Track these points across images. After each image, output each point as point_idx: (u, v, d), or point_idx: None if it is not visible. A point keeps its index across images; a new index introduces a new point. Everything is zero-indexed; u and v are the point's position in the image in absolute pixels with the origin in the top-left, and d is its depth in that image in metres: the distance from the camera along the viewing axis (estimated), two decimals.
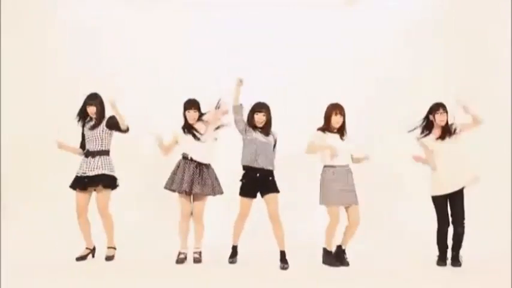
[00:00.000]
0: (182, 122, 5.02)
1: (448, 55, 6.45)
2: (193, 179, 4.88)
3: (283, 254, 4.86)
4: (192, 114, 4.97)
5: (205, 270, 4.76)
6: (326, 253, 4.93)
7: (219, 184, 5.03)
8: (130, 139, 5.33)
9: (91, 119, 5.03)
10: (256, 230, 5.32)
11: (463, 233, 4.85)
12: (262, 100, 5.00)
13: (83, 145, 5.06)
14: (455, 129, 4.92)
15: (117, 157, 5.15)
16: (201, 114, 5.01)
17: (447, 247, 4.91)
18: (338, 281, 4.45)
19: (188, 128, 4.98)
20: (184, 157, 4.94)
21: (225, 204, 5.29)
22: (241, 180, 4.92)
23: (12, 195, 6.39)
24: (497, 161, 6.19)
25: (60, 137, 5.07)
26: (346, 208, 4.88)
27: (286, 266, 4.77)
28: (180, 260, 4.91)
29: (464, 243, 5.12)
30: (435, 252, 4.96)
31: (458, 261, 4.84)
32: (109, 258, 4.98)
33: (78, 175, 4.95)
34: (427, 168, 4.97)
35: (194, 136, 4.93)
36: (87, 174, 4.92)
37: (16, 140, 6.52)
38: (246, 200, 4.90)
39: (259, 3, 6.77)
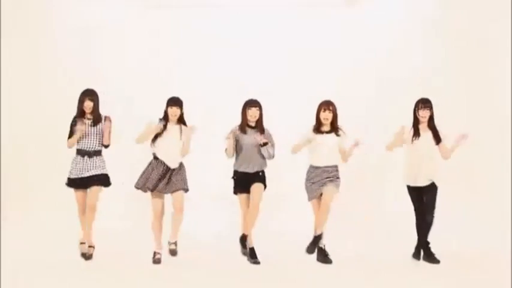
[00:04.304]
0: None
1: (448, 55, 6.45)
2: (162, 179, 4.87)
3: (244, 238, 4.90)
4: (174, 111, 4.95)
5: (202, 270, 4.78)
6: (318, 250, 4.96)
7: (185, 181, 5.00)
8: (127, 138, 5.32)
9: (84, 116, 4.97)
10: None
11: (431, 222, 4.89)
12: (262, 100, 5.00)
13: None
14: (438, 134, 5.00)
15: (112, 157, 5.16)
16: (182, 114, 5.01)
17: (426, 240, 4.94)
18: (331, 278, 4.47)
19: (164, 127, 4.93)
20: (155, 157, 4.94)
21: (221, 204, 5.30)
22: (232, 177, 5.00)
23: (12, 195, 6.39)
24: (497, 161, 6.19)
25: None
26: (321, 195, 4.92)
27: (246, 251, 4.86)
28: (157, 260, 4.88)
29: (464, 241, 5.12)
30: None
31: (434, 256, 4.86)
32: (85, 256, 4.93)
33: (75, 177, 4.91)
34: None
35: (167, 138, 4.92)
36: (83, 175, 4.91)
37: (16, 140, 6.52)
38: (242, 196, 4.98)
39: (259, 4, 6.77)
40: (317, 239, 4.88)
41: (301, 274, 4.65)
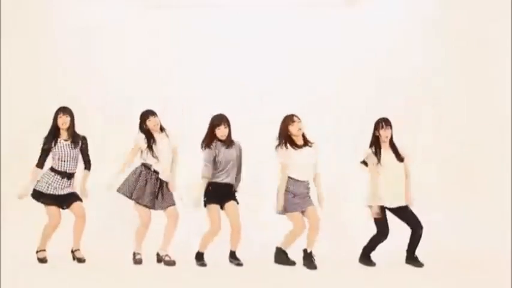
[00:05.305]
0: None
1: (448, 55, 6.45)
2: (156, 194, 4.89)
3: (234, 253, 4.91)
4: (153, 121, 4.92)
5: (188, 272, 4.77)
6: (280, 252, 4.94)
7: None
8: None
9: (59, 135, 4.92)
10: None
11: (422, 234, 4.84)
12: (262, 100, 5.00)
13: (42, 161, 4.91)
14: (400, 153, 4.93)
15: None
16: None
17: (371, 252, 4.93)
18: (331, 278, 4.47)
19: (152, 140, 4.91)
20: (147, 167, 4.91)
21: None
22: (207, 188, 4.82)
23: (12, 195, 6.36)
24: (497, 161, 6.19)
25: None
26: (303, 212, 4.85)
27: (239, 262, 4.84)
28: (138, 261, 4.88)
29: (464, 241, 5.09)
30: (432, 252, 4.94)
31: (419, 260, 4.85)
32: (81, 260, 4.93)
33: (50, 193, 4.86)
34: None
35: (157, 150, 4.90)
36: (60, 193, 4.89)
37: (16, 139, 6.51)
38: (214, 207, 4.80)
39: (259, 4, 6.77)
40: (311, 254, 4.85)
41: (300, 274, 4.65)
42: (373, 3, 6.72)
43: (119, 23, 6.69)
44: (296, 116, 4.85)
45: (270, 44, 6.63)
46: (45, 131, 4.99)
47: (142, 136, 4.92)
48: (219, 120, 4.82)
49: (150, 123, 4.93)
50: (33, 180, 4.92)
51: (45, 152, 4.94)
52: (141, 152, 4.94)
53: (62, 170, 4.91)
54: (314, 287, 4.35)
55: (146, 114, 4.95)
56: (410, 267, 4.83)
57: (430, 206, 5.21)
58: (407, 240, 4.94)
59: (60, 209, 4.96)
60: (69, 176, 4.94)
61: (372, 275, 4.61)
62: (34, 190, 4.91)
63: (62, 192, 4.90)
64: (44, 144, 4.93)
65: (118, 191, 4.92)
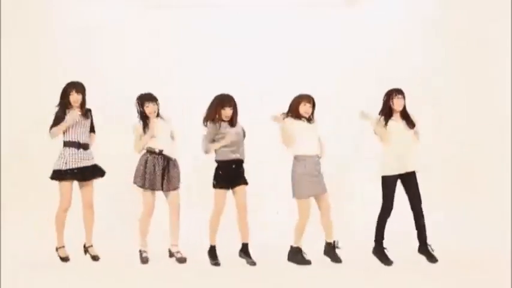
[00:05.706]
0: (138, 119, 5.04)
1: (448, 55, 6.45)
2: (163, 174, 4.90)
3: (246, 247, 4.86)
4: (154, 108, 4.97)
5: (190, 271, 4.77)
6: (295, 251, 4.89)
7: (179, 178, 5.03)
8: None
9: (69, 106, 4.89)
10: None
11: (423, 216, 4.85)
12: (262, 100, 5.00)
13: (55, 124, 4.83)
14: (412, 120, 4.93)
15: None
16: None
17: (383, 238, 4.90)
18: (332, 278, 4.47)
19: (147, 122, 4.94)
20: (152, 151, 4.91)
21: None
22: (216, 170, 4.85)
23: (12, 195, 6.38)
24: (497, 161, 6.19)
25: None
26: (316, 198, 4.85)
27: (253, 261, 4.80)
28: (145, 260, 4.87)
29: (464, 241, 5.08)
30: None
31: (433, 255, 4.82)
32: (96, 258, 4.93)
33: (71, 168, 4.78)
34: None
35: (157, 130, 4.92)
36: (79, 165, 4.81)
37: (16, 140, 6.51)
38: (222, 191, 4.82)
39: (259, 4, 6.77)
40: (334, 246, 4.85)
41: (300, 274, 4.65)
42: (373, 3, 6.72)
43: (119, 23, 6.68)
44: (313, 99, 4.89)
45: (270, 44, 6.63)
46: (45, 131, 4.97)
47: (141, 124, 4.95)
48: (228, 102, 4.86)
49: (148, 109, 4.97)
50: (63, 127, 4.80)
51: (58, 119, 4.82)
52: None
53: (75, 140, 4.84)
54: (314, 287, 4.35)
55: (145, 100, 5.00)
56: (410, 267, 4.82)
57: (430, 206, 5.19)
58: (407, 241, 4.95)
59: (73, 188, 4.87)
60: (85, 146, 4.88)
61: (372, 275, 4.61)
62: (53, 171, 4.83)
63: (80, 165, 4.82)
64: (57, 112, 4.86)
65: (134, 182, 4.91)
